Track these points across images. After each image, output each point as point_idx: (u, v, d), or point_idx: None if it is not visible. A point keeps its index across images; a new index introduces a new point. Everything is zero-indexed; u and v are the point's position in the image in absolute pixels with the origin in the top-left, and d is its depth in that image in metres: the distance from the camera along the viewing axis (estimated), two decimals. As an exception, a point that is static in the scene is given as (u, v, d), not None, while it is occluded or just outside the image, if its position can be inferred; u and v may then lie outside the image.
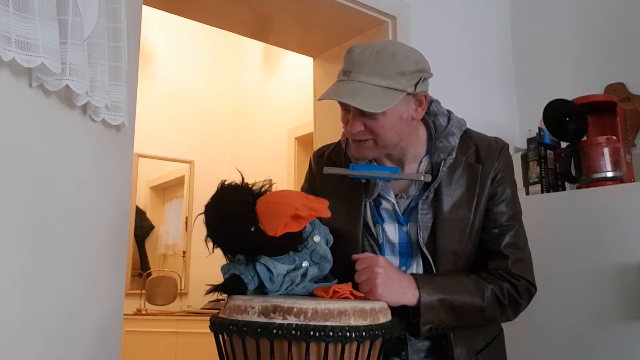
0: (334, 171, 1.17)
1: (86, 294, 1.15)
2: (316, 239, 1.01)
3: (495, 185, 1.17)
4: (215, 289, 0.96)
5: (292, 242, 0.98)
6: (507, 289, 1.11)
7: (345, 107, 1.12)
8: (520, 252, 1.16)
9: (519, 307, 1.14)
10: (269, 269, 0.96)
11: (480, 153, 1.18)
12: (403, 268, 1.15)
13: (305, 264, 1.00)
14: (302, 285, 0.99)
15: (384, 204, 1.19)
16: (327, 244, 1.06)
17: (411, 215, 1.17)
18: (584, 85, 2.38)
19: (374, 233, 1.17)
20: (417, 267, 1.15)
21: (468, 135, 1.21)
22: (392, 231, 1.18)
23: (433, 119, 1.21)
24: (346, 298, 0.93)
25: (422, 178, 1.13)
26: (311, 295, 0.98)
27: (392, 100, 1.06)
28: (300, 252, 1.01)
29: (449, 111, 1.24)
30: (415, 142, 1.19)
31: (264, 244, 0.95)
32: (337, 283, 1.02)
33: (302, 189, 1.33)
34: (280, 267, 0.97)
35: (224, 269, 0.98)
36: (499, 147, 1.20)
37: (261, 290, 0.97)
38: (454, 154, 1.16)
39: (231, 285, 0.95)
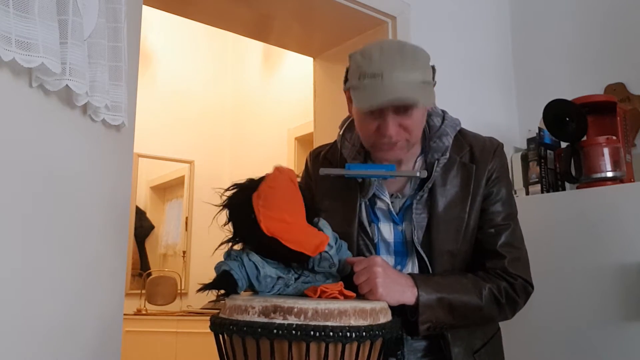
0: (329, 172, 1.17)
1: (86, 294, 1.15)
2: (324, 254, 1.00)
3: (491, 185, 1.18)
4: (206, 286, 0.96)
5: (296, 259, 0.98)
6: (505, 288, 1.12)
7: (378, 111, 1.08)
8: (516, 251, 1.16)
9: (516, 306, 1.14)
10: (257, 268, 0.95)
11: (474, 153, 1.19)
12: (398, 267, 1.16)
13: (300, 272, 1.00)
14: (294, 286, 0.99)
15: (379, 203, 1.19)
16: (339, 250, 1.06)
17: (406, 214, 1.17)
18: (584, 85, 2.38)
19: (369, 232, 1.18)
20: (412, 267, 1.15)
21: (462, 135, 1.22)
22: (387, 230, 1.18)
23: (427, 118, 1.21)
24: (334, 298, 0.92)
25: (417, 174, 1.13)
26: (302, 295, 0.98)
27: (432, 91, 1.09)
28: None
29: (443, 111, 1.24)
30: None
31: (259, 239, 0.94)
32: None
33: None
34: (269, 269, 0.96)
35: (216, 267, 0.98)
36: (494, 147, 1.20)
37: (252, 288, 0.97)
38: (447, 154, 1.17)
39: (221, 281, 0.95)
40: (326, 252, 1.00)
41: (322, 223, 1.04)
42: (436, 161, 1.16)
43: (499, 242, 1.15)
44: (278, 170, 0.99)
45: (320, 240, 0.95)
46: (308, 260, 0.98)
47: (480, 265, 1.15)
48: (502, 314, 1.14)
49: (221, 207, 0.99)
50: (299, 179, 1.03)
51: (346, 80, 1.15)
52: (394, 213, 1.18)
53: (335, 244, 1.05)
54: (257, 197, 0.95)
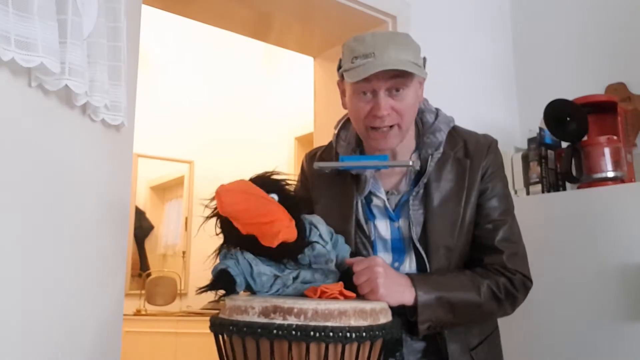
0: (324, 165, 1.18)
1: (86, 294, 1.15)
2: (318, 248, 1.00)
3: (486, 180, 1.18)
4: (205, 288, 0.96)
5: (284, 254, 0.97)
6: (504, 284, 1.12)
7: (370, 90, 1.10)
8: (514, 246, 1.16)
9: (515, 300, 1.14)
10: (250, 265, 0.95)
11: (468, 148, 1.20)
12: (396, 264, 1.16)
13: (297, 272, 1.00)
14: (294, 286, 0.99)
15: (375, 200, 1.20)
16: (335, 245, 1.05)
17: (402, 210, 1.18)
18: (584, 85, 2.37)
19: (366, 230, 1.18)
20: (410, 263, 1.15)
21: (456, 132, 1.23)
22: (383, 227, 1.18)
23: (420, 115, 1.23)
24: (334, 298, 0.92)
25: (410, 163, 1.14)
26: (302, 295, 0.98)
27: (423, 73, 1.11)
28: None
29: (437, 109, 1.26)
30: (408, 136, 1.19)
31: (242, 239, 0.94)
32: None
33: (295, 189, 1.33)
34: (262, 267, 0.96)
35: (214, 269, 0.98)
36: (488, 143, 1.21)
37: (251, 289, 0.97)
38: (441, 149, 1.18)
39: (219, 280, 0.95)
40: (322, 246, 1.00)
41: (316, 219, 1.04)
42: (430, 156, 1.17)
43: (496, 238, 1.15)
44: (220, 191, 0.93)
45: (277, 229, 0.91)
46: (297, 253, 0.98)
47: (479, 261, 1.16)
48: (502, 310, 1.14)
49: (207, 217, 0.99)
50: (292, 183, 1.03)
51: (339, 68, 1.16)
52: (390, 210, 1.18)
53: (331, 239, 1.05)
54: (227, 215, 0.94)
